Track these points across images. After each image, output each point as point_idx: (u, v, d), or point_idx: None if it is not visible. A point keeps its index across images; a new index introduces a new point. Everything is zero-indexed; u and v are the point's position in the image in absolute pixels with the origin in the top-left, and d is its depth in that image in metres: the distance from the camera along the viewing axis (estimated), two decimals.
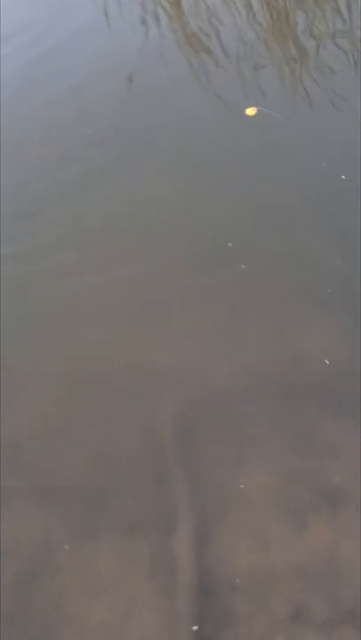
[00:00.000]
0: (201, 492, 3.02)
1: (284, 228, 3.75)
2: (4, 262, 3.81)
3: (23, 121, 4.63)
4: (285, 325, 3.42)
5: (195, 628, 2.68)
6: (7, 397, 3.35)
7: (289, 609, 2.69)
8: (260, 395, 3.25)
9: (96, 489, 3.08)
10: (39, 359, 3.48)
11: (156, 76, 4.80)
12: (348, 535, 2.82)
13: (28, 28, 5.34)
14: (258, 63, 4.74)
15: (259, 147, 4.15)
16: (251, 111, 4.18)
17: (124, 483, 3.09)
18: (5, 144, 4.47)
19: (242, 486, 3.00)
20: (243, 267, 3.62)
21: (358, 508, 2.88)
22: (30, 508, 3.05)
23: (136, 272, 3.72)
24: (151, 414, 3.28)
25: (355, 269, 3.51)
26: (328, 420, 3.12)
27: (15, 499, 3.07)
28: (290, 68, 4.69)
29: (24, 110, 4.71)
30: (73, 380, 3.39)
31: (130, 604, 2.79)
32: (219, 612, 2.73)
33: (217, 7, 5.32)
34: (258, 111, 4.20)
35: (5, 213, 4.06)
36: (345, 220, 3.68)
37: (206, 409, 3.25)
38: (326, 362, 3.25)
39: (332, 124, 4.20)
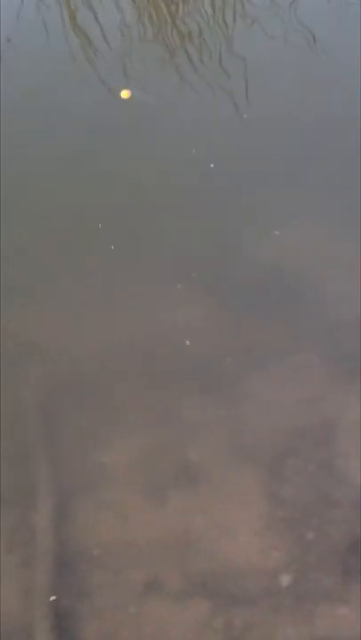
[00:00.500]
0: (63, 466, 3.08)
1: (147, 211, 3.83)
2: None
3: None
4: (150, 305, 3.51)
5: (52, 598, 2.75)
6: None
7: (144, 580, 2.79)
8: (124, 371, 3.34)
9: None
10: None
11: (32, 45, 4.78)
12: (202, 511, 2.94)
13: None
14: (138, 46, 4.80)
15: (127, 128, 4.20)
16: (125, 94, 4.24)
17: None
18: None
19: (103, 461, 3.08)
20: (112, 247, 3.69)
21: (213, 486, 3.00)
22: None
23: None
24: (12, 386, 3.32)
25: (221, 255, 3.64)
26: (186, 400, 3.23)
27: None
28: (170, 52, 4.77)
29: None
30: None
31: None
32: (76, 584, 2.81)
33: None
34: (132, 94, 4.25)
35: None
36: (210, 213, 3.79)
37: (69, 384, 3.32)
38: (187, 342, 3.36)
39: (207, 111, 4.29)
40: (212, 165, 3.95)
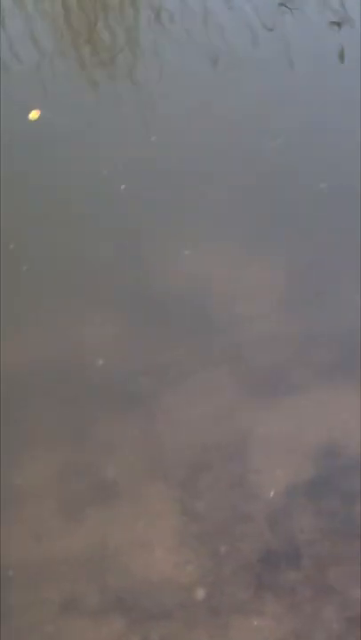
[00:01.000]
0: None
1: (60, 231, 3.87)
2: None
3: None
4: (63, 324, 3.55)
5: None
6: None
7: (60, 599, 2.82)
8: (36, 389, 3.36)
9: None
10: None
11: None
12: (118, 527, 2.99)
13: None
14: (48, 63, 4.84)
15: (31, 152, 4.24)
16: (34, 115, 4.26)
17: None
18: None
19: (17, 480, 3.10)
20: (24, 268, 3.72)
21: (128, 502, 3.05)
22: None
23: None
24: None
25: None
26: (101, 418, 3.28)
27: None
28: (82, 70, 4.83)
29: None
30: None
31: None
32: None
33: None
34: (41, 115, 4.29)
35: None
36: (122, 233, 3.85)
37: None
38: (100, 362, 3.41)
39: (121, 132, 4.36)
40: (122, 187, 4.02)
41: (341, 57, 4.69)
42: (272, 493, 2.94)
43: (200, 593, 2.78)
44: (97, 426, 3.25)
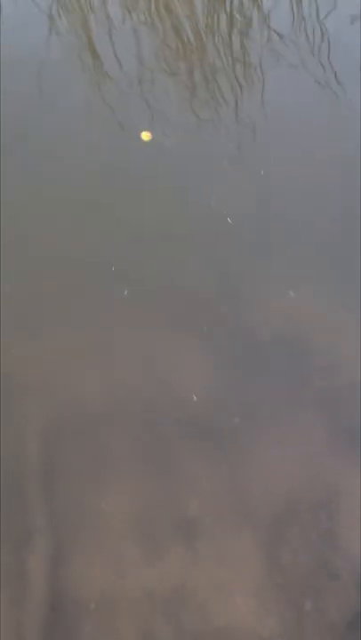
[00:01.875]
0: (61, 510, 3.11)
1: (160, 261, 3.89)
2: None
3: None
4: (159, 356, 3.55)
5: None
6: None
7: (136, 634, 2.82)
8: (127, 420, 3.37)
9: None
10: None
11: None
12: (199, 568, 2.97)
13: None
14: (156, 83, 4.87)
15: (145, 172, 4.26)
16: (146, 135, 4.30)
17: None
18: None
19: (102, 508, 3.10)
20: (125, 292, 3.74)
21: (211, 544, 3.03)
22: None
23: None
24: (16, 425, 3.34)
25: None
26: (190, 454, 3.26)
27: None
28: (190, 91, 4.85)
29: None
30: None
31: None
32: (66, 633, 2.82)
33: (116, 17, 5.43)
34: (153, 137, 4.32)
35: None
36: (224, 268, 3.86)
37: (73, 428, 3.34)
38: (194, 397, 3.40)
39: (225, 157, 4.36)
40: (229, 220, 4.01)
41: None
42: None
43: None
44: (186, 463, 3.23)
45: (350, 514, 3.04)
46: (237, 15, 5.53)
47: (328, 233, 3.98)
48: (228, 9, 5.57)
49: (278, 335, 3.58)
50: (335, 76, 4.85)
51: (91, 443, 3.30)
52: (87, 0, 5.65)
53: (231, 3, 5.60)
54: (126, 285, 3.75)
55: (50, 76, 4.90)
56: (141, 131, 4.39)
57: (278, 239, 3.94)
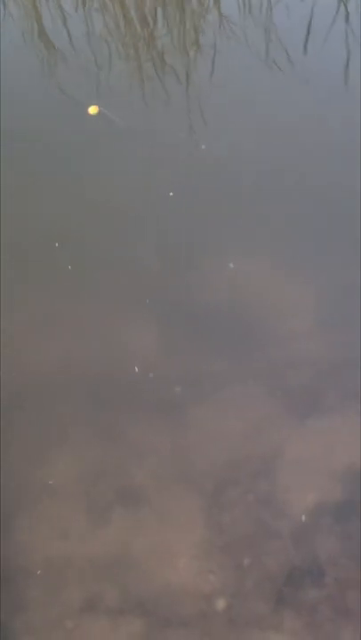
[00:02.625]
0: (7, 480, 3.20)
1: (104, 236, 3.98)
2: None
3: None
4: (104, 328, 3.65)
5: None
6: None
7: (81, 598, 2.93)
8: (71, 390, 3.47)
9: None
10: None
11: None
12: (143, 532, 3.08)
13: None
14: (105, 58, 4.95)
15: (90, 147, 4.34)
16: (93, 109, 4.37)
17: None
18: None
19: (47, 478, 3.20)
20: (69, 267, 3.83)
21: (155, 509, 3.14)
22: None
23: None
24: None
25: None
26: (133, 423, 3.37)
27: None
28: (141, 70, 4.92)
29: None
30: None
31: None
32: (13, 599, 2.93)
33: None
34: (100, 111, 4.39)
35: None
36: (167, 242, 3.96)
37: (18, 396, 3.44)
38: (136, 369, 3.50)
39: (169, 138, 4.44)
40: (171, 194, 4.11)
41: None
42: (303, 517, 3.02)
43: (220, 603, 2.87)
44: (129, 431, 3.33)
45: (286, 478, 3.17)
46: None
47: (271, 205, 4.09)
48: None
49: (219, 306, 3.70)
50: (282, 52, 4.94)
51: (36, 410, 3.40)
52: None
53: None
54: (71, 259, 3.84)
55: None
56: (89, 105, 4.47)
57: (220, 212, 4.05)
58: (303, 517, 3.03)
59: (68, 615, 2.90)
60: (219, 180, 4.20)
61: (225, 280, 3.78)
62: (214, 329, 3.63)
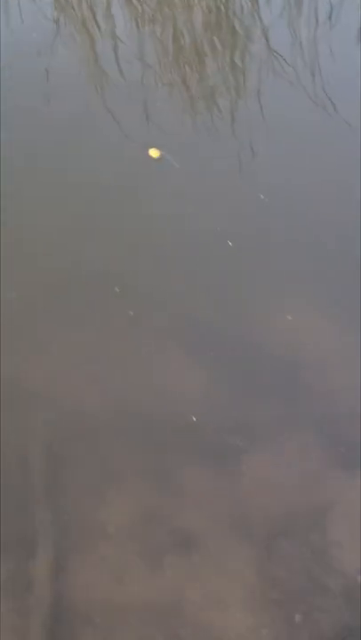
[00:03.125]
0: (63, 521, 3.25)
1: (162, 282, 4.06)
2: None
3: None
4: (161, 372, 3.71)
5: None
6: None
7: None
8: (128, 433, 3.52)
9: None
10: None
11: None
12: (195, 579, 3.13)
13: None
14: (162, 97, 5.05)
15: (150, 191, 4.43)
16: (154, 153, 4.45)
17: None
18: None
19: (103, 520, 3.25)
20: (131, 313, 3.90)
21: (207, 556, 3.18)
22: None
23: None
24: (21, 434, 3.49)
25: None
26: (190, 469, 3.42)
27: None
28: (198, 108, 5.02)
29: None
30: None
31: None
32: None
33: (123, 29, 5.61)
34: (162, 154, 4.48)
35: None
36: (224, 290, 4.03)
37: (75, 440, 3.50)
38: (193, 418, 3.56)
39: (229, 185, 4.52)
40: (230, 243, 4.18)
41: None
42: (359, 578, 3.05)
43: None
44: (185, 477, 3.38)
45: (343, 531, 3.20)
46: (239, 30, 5.71)
47: (327, 255, 4.15)
48: (229, 23, 5.76)
49: (277, 356, 3.76)
50: (330, 94, 5.03)
51: (92, 455, 3.46)
52: (91, 10, 5.84)
53: (232, 17, 5.80)
54: (131, 305, 3.92)
55: (54, 85, 5.09)
56: (149, 147, 4.56)
57: (278, 262, 4.11)
58: (359, 578, 3.06)
59: None
60: (277, 228, 4.27)
61: (282, 330, 3.84)
62: (270, 378, 3.69)
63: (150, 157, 4.54)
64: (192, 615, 3.04)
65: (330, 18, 5.69)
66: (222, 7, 5.93)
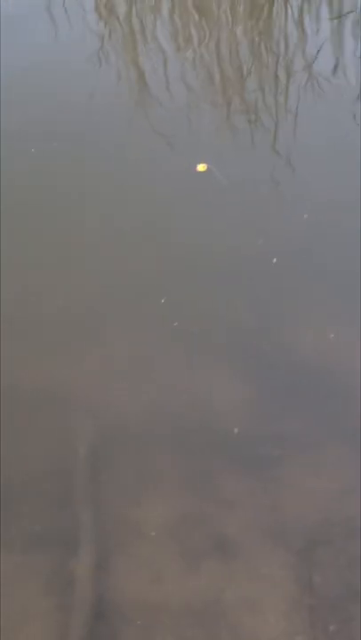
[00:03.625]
0: (104, 520, 3.37)
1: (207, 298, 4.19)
2: None
3: None
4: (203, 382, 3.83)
5: None
6: None
7: None
8: (171, 440, 3.63)
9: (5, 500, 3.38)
10: None
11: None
12: (233, 585, 3.21)
13: None
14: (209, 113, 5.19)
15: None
16: (202, 167, 4.59)
17: (32, 501, 3.41)
18: None
19: (144, 521, 3.35)
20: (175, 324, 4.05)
21: (245, 562, 3.27)
22: None
23: None
24: (63, 439, 3.61)
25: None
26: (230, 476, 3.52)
27: None
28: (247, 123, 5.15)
29: None
30: None
31: (25, 616, 3.10)
32: (108, 636, 3.07)
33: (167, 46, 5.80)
34: (208, 169, 4.61)
35: None
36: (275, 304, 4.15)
37: (118, 443, 3.61)
38: (235, 430, 3.66)
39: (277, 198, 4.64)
40: (274, 260, 4.29)
41: None
42: None
43: None
44: (225, 484, 3.47)
45: None
46: (281, 55, 5.84)
47: None
48: (273, 48, 5.89)
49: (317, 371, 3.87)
50: None
51: (135, 460, 3.57)
52: (140, 31, 6.01)
53: (277, 44, 5.94)
54: (176, 316, 4.05)
55: (99, 104, 5.26)
56: (198, 163, 4.69)
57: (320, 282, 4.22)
58: None
59: None
60: (317, 248, 4.38)
61: (323, 346, 3.94)
62: (311, 391, 3.79)
63: (198, 172, 4.69)
64: (228, 617, 3.12)
65: None
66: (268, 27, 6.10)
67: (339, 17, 6.06)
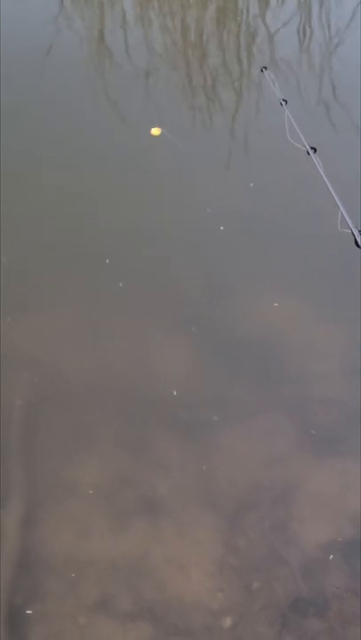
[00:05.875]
0: (37, 476, 3.47)
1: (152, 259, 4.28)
2: None
3: None
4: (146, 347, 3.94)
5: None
6: None
7: (96, 596, 3.18)
8: (109, 400, 3.74)
9: None
10: None
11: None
12: (161, 543, 3.34)
13: None
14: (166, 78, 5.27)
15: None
16: (156, 131, 4.67)
17: None
18: None
19: (76, 478, 3.46)
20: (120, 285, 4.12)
21: (174, 520, 3.39)
22: None
23: None
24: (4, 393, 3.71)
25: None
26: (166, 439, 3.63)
27: None
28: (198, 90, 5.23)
29: None
30: None
31: None
32: (32, 588, 3.18)
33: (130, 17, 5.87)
34: (162, 133, 4.69)
35: None
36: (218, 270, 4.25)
37: (56, 401, 3.71)
38: (174, 392, 3.78)
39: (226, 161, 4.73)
40: (221, 228, 4.40)
41: None
42: (331, 557, 3.26)
43: (227, 621, 3.11)
44: (160, 446, 3.59)
45: (304, 507, 3.42)
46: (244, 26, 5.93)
47: (314, 245, 4.36)
48: (237, 19, 5.98)
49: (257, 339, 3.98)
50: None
51: (71, 417, 3.67)
52: None
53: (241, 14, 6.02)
54: (120, 277, 4.15)
55: (59, 66, 5.32)
56: (151, 126, 4.78)
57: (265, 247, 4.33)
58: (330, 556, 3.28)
59: (81, 612, 3.15)
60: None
61: (268, 315, 4.06)
62: (252, 358, 3.91)
63: (152, 135, 4.77)
64: (154, 574, 3.25)
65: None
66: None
67: None
